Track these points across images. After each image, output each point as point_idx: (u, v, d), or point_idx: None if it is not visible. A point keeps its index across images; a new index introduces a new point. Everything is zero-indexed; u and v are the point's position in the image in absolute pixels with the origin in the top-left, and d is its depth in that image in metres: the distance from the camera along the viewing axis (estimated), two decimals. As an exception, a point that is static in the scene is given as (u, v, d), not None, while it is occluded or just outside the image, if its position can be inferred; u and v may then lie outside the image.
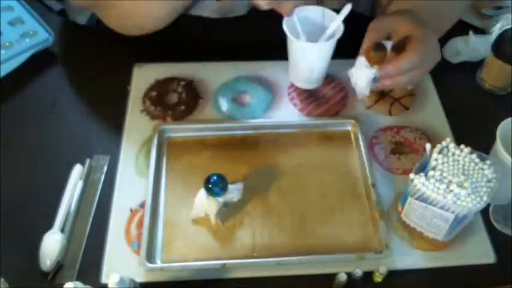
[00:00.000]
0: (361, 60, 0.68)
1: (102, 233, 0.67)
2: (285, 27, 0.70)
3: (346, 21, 0.71)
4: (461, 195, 0.59)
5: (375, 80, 0.67)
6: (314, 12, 0.73)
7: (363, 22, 0.69)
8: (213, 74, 0.84)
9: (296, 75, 0.79)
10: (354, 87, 0.70)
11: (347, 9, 0.70)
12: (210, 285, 0.64)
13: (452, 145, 0.63)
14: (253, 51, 0.87)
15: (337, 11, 0.72)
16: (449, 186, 0.59)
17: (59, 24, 0.91)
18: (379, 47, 0.67)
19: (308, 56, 0.74)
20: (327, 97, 0.82)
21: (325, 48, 0.72)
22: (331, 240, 0.67)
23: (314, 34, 0.73)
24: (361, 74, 0.68)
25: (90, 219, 0.69)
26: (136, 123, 0.78)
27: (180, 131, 0.77)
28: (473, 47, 0.86)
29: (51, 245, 0.64)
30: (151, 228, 0.66)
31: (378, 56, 0.67)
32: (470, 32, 0.86)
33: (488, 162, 0.62)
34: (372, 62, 0.67)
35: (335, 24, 0.72)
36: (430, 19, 0.70)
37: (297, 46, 0.72)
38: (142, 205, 0.69)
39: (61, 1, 0.92)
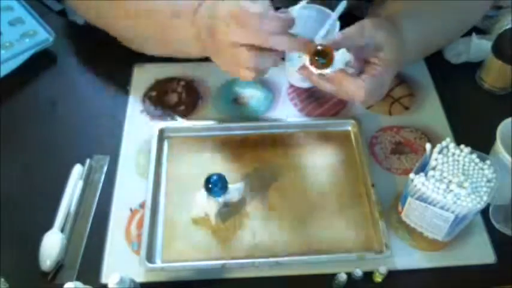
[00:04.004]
0: (304, 59, 0.63)
1: (102, 233, 0.67)
2: None
3: (343, 19, 0.71)
4: (461, 195, 0.59)
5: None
6: (309, 10, 0.73)
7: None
8: (213, 74, 0.84)
9: (293, 74, 0.79)
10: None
11: (342, 6, 0.69)
12: (210, 285, 0.64)
13: (452, 145, 0.63)
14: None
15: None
16: (449, 186, 0.59)
17: (59, 24, 0.90)
18: (323, 54, 0.61)
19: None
20: (327, 97, 0.82)
21: None
22: (331, 240, 0.67)
23: (310, 32, 0.73)
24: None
25: (90, 219, 0.69)
26: (137, 123, 0.78)
27: (180, 131, 0.77)
28: (475, 48, 0.86)
29: (51, 245, 0.64)
30: (151, 228, 0.66)
31: (320, 64, 0.62)
32: (473, 34, 0.86)
33: (488, 162, 0.62)
34: (314, 65, 0.62)
35: (330, 21, 0.71)
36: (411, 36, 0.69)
37: None
38: (142, 205, 0.69)
39: (61, 1, 0.92)
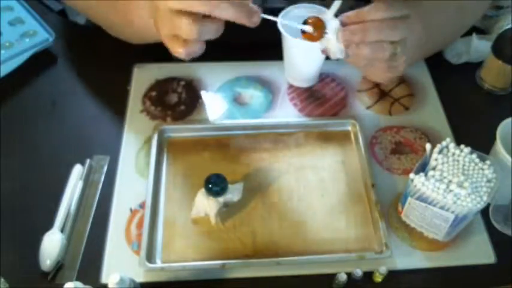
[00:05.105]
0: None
1: (102, 233, 0.67)
2: (280, 25, 0.70)
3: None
4: (461, 195, 0.59)
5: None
6: (306, 10, 0.73)
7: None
8: (213, 74, 0.84)
9: (292, 74, 0.79)
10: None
11: (337, 3, 0.69)
12: (210, 285, 0.64)
13: (452, 145, 0.63)
14: (253, 51, 0.86)
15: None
16: (449, 186, 0.59)
17: (59, 24, 0.91)
18: (314, 25, 0.65)
19: (302, 54, 0.74)
20: (327, 97, 0.82)
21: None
22: (331, 240, 0.67)
23: None
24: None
25: (90, 219, 0.69)
26: (137, 123, 0.78)
27: (180, 131, 0.77)
28: (475, 48, 0.86)
29: (51, 245, 0.64)
30: (151, 228, 0.66)
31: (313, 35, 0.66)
32: (474, 34, 0.86)
33: (488, 162, 0.62)
34: (309, 38, 0.66)
35: (326, 19, 0.71)
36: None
37: (291, 43, 0.72)
38: (142, 205, 0.69)
39: (61, 1, 0.92)
